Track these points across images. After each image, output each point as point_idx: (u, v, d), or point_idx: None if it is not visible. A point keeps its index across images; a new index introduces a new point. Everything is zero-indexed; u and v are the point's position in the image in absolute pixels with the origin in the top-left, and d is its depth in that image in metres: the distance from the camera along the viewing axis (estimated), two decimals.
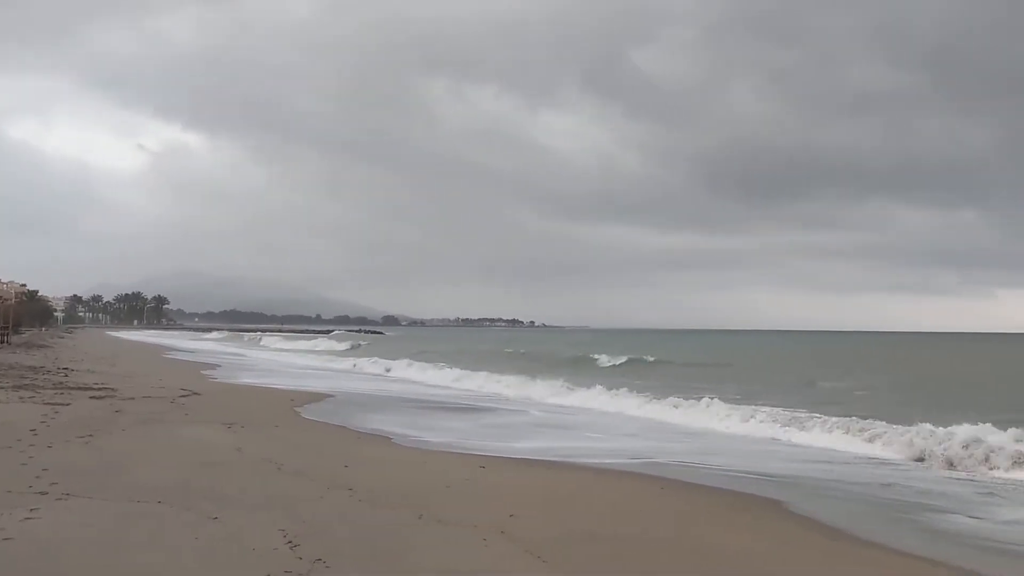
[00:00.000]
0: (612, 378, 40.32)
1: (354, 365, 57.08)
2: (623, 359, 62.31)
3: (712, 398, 27.42)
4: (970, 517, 12.43)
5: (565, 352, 77.80)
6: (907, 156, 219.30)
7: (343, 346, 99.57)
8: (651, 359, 64.52)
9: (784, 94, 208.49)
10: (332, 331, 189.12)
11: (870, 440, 19.95)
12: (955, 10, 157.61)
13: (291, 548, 8.89)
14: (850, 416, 22.76)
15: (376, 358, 59.24)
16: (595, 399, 31.16)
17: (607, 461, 16.99)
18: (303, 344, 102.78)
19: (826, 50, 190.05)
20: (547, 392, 33.88)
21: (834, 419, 22.29)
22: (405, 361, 54.07)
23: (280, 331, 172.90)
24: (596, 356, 65.08)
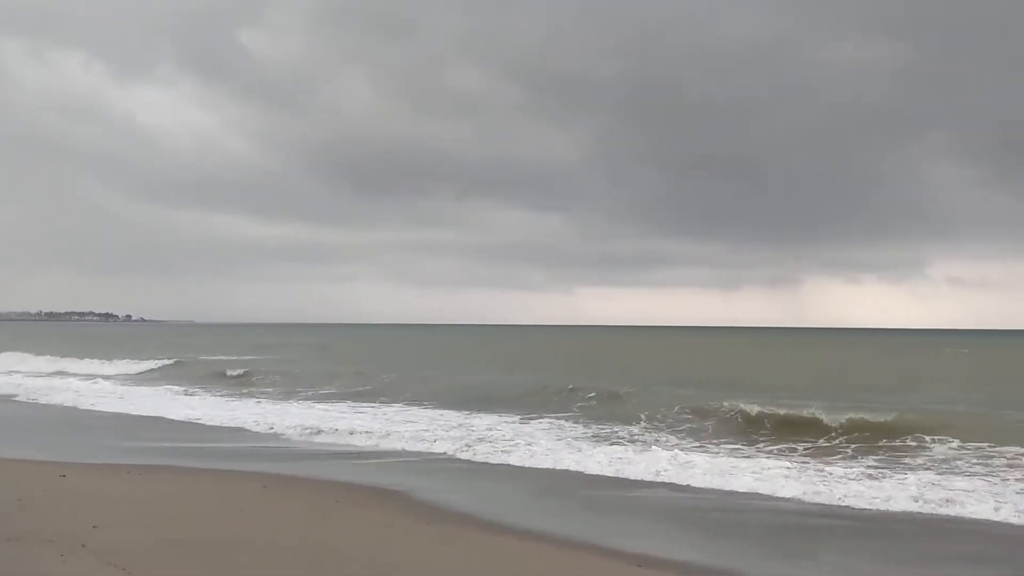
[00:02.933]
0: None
1: None
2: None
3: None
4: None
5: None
6: (505, 160, 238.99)
7: None
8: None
9: (393, 89, 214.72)
10: None
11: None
12: (546, 24, 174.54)
13: None
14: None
15: None
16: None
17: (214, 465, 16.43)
18: None
19: (431, 50, 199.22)
20: None
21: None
22: None
23: None
24: None
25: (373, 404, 28.30)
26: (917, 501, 13.35)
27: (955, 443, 18.05)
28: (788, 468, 15.93)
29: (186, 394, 32.87)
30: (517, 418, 23.91)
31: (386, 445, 19.71)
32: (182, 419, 24.82)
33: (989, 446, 17.60)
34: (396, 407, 27.43)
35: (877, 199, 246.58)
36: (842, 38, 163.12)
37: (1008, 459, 16.53)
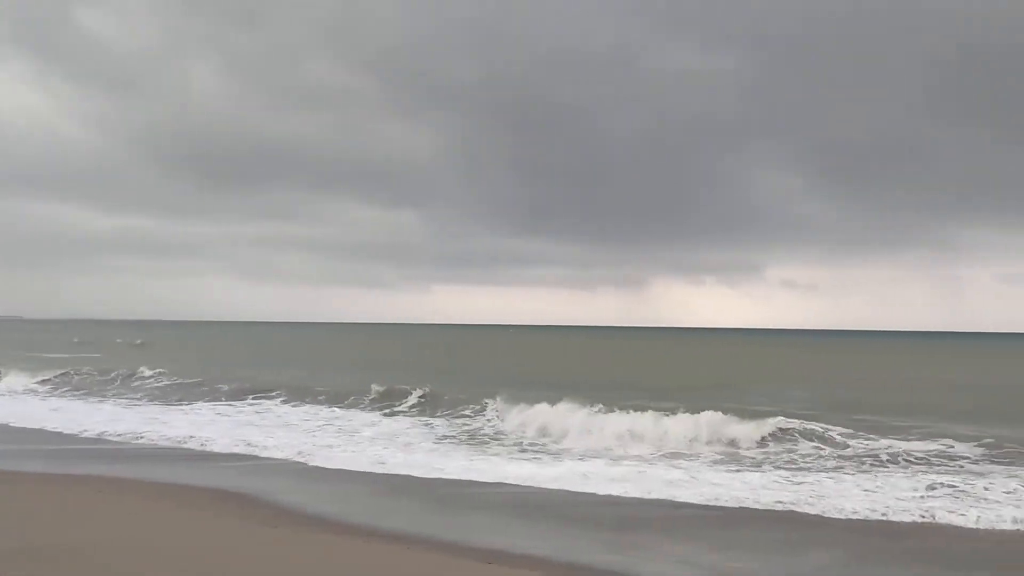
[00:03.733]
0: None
1: None
2: None
3: None
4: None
5: None
6: (361, 156, 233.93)
7: None
8: None
9: (246, 79, 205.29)
10: None
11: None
12: (404, 21, 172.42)
13: None
14: None
15: None
16: None
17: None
18: None
19: (286, 40, 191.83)
20: None
21: None
22: None
23: None
24: None
25: (186, 404, 27.52)
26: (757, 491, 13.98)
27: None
28: (613, 464, 16.34)
29: None
30: (351, 417, 23.71)
31: (217, 448, 18.82)
32: None
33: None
34: (211, 405, 26.85)
35: (719, 204, 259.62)
36: (686, 48, 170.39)
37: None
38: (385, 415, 24.40)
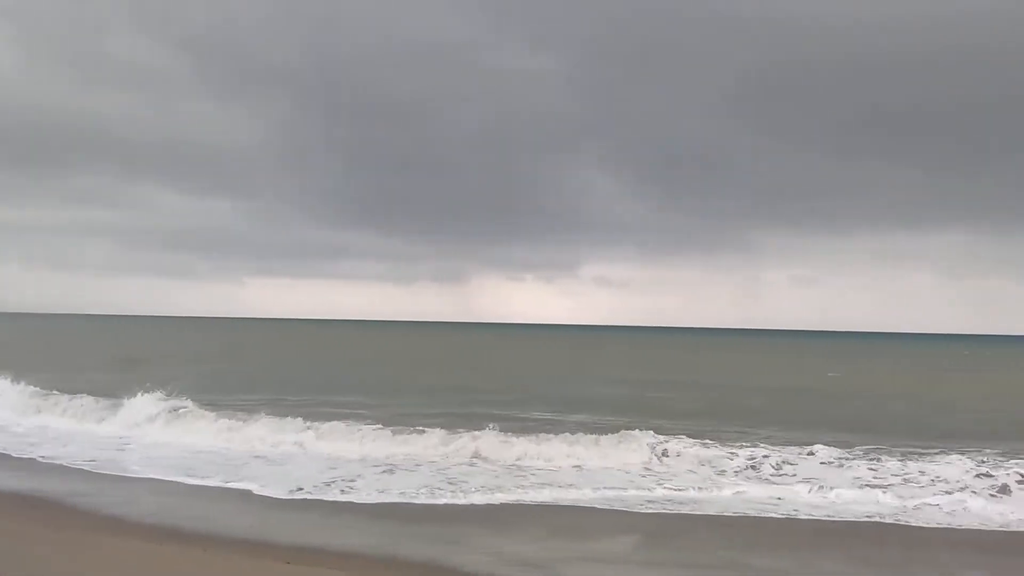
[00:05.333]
0: None
1: None
2: None
3: None
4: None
5: None
6: (174, 139, 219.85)
7: None
8: None
9: (45, 52, 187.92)
10: None
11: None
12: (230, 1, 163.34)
13: None
14: None
15: None
16: None
17: None
18: None
19: (93, 12, 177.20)
20: None
21: None
22: None
23: None
24: None
25: None
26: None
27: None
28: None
29: None
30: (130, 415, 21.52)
31: None
32: None
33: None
34: None
35: (539, 202, 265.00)
36: (515, 47, 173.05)
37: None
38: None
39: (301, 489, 13.87)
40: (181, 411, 20.88)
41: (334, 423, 19.14)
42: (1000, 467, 15.07)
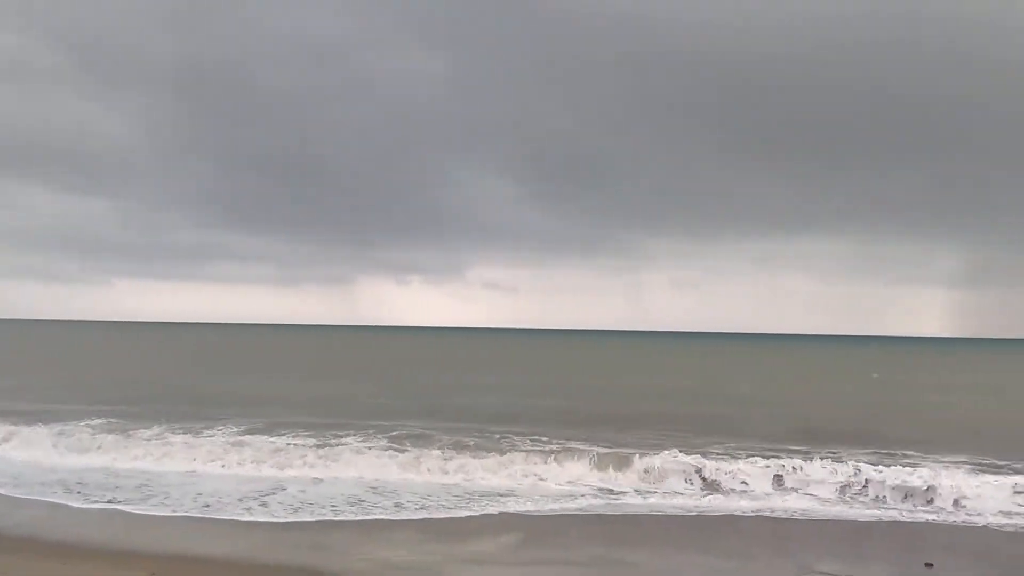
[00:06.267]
0: None
1: None
2: None
3: None
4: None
5: None
6: (38, 134, 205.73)
7: None
8: None
9: None
10: None
11: None
12: None
13: None
14: None
15: None
16: None
17: None
18: None
19: None
20: None
21: None
22: None
23: None
24: None
25: None
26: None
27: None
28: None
29: None
30: None
31: None
32: None
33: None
34: None
35: (427, 205, 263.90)
36: (404, 49, 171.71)
37: None
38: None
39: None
40: None
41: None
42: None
